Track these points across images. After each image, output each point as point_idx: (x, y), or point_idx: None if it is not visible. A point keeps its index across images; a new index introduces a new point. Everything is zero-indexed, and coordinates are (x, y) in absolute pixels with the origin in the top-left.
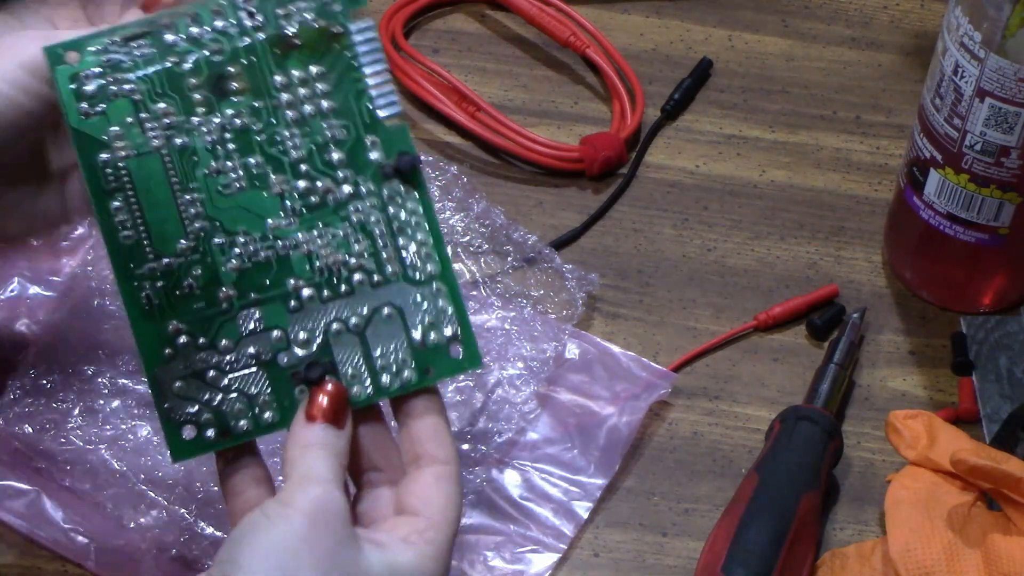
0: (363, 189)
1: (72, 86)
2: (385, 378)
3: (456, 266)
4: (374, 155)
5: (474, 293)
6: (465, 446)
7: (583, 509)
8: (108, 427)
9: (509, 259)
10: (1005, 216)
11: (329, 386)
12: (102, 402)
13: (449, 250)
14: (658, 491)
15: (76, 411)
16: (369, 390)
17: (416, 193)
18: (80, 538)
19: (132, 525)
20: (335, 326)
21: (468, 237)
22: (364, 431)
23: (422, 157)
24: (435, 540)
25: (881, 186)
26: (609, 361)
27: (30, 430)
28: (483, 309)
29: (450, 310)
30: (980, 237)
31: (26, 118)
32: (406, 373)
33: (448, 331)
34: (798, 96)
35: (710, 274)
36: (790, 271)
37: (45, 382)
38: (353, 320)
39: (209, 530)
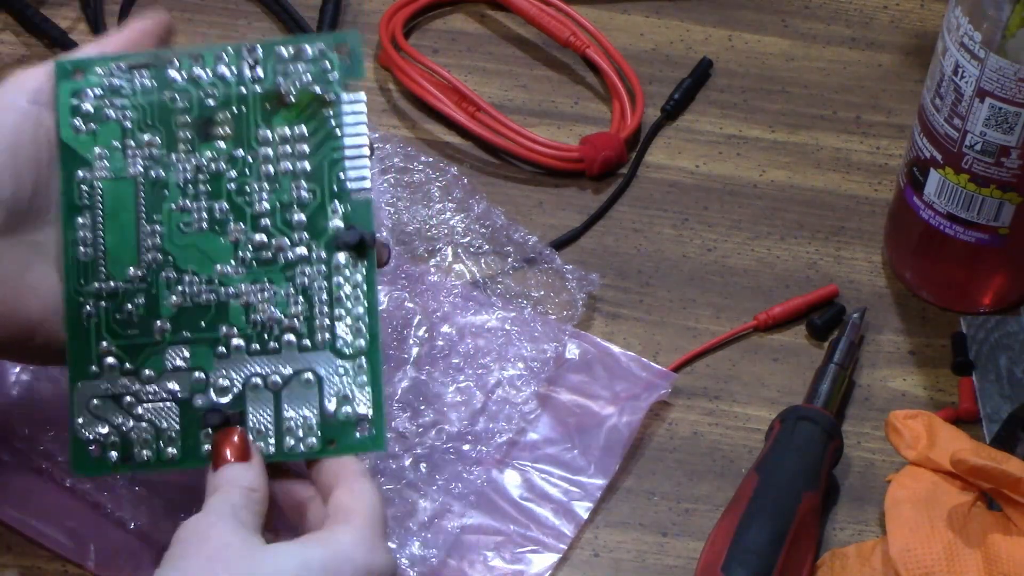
0: (314, 255)
1: (72, 101)
2: (289, 440)
3: (457, 267)
4: (333, 224)
5: (475, 294)
6: (465, 446)
7: (583, 509)
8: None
9: (509, 260)
10: (1005, 216)
11: (235, 437)
12: None
13: (449, 251)
14: (658, 491)
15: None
16: (271, 449)
17: (363, 268)
18: (80, 538)
19: (132, 526)
20: (255, 380)
21: (468, 238)
22: (276, 487)
23: (423, 158)
24: (354, 527)
25: (881, 186)
26: (609, 361)
27: (28, 432)
28: (483, 309)
29: (368, 389)
30: (980, 237)
31: (30, 145)
32: (310, 440)
33: (361, 409)
34: (798, 96)
35: (710, 274)
36: (790, 271)
37: (45, 382)
38: (273, 378)
39: None
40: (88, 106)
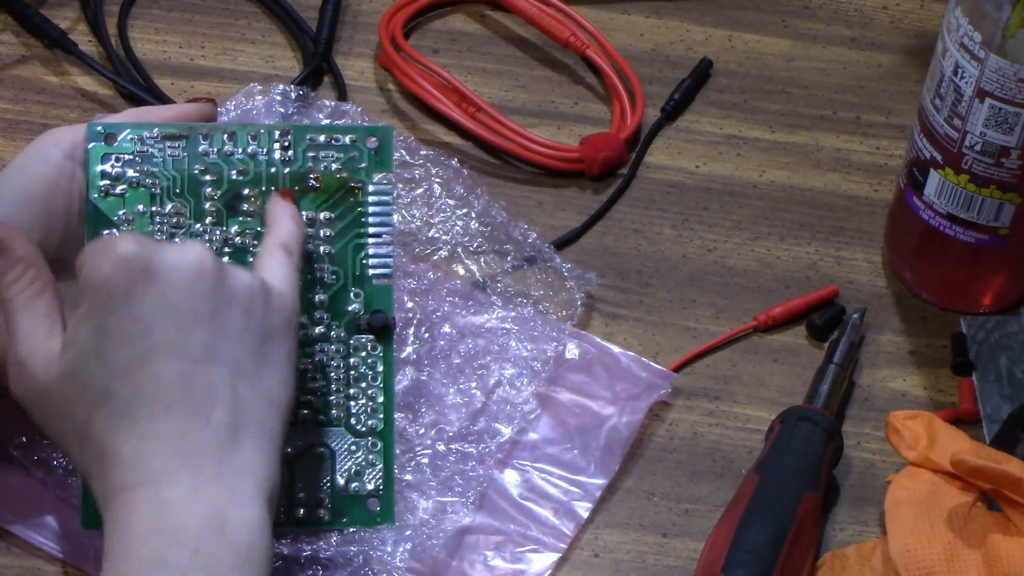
0: (333, 334)
1: (102, 165)
2: (300, 511)
3: (456, 266)
4: (353, 307)
5: (475, 293)
6: (466, 446)
7: (583, 509)
8: None
9: (509, 258)
10: (1005, 216)
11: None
12: None
13: (448, 251)
14: (658, 491)
15: None
16: (281, 516)
17: (381, 351)
18: (79, 543)
19: None
20: None
21: (468, 237)
22: None
23: (424, 151)
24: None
25: (881, 186)
26: (609, 361)
27: (24, 439)
28: (483, 309)
29: (379, 466)
30: (980, 237)
31: (63, 197)
32: (320, 511)
33: (371, 485)
34: (798, 96)
35: (710, 274)
36: (790, 271)
37: None
38: (287, 449)
39: None
40: (118, 170)
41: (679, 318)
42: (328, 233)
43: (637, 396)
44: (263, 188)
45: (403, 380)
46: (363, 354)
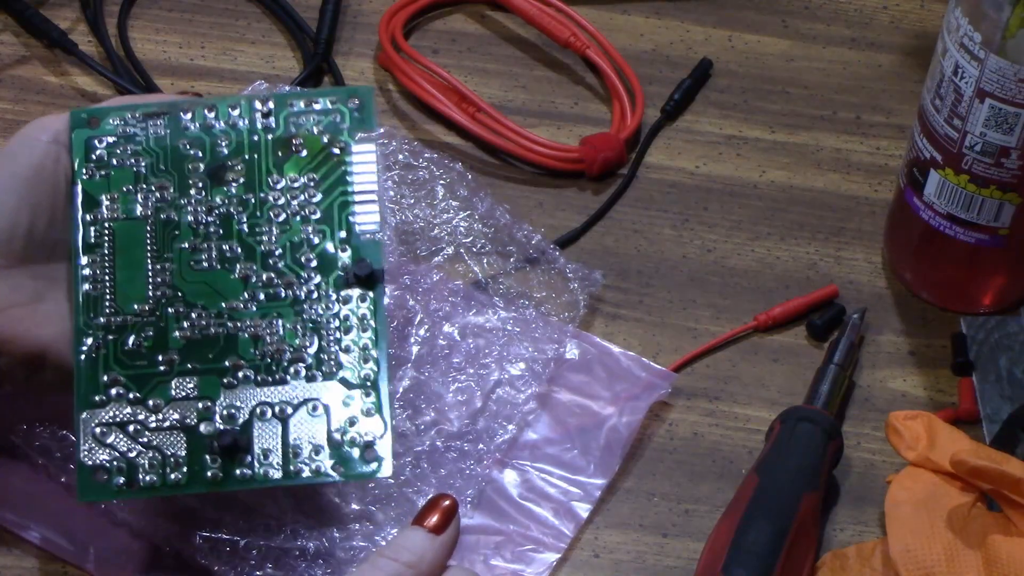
0: (323, 292)
1: (86, 149)
2: (295, 467)
3: (459, 266)
4: (342, 262)
5: (477, 293)
6: (465, 446)
7: (583, 509)
8: None
9: (512, 259)
10: (1005, 217)
11: (446, 502)
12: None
13: (451, 251)
14: (658, 492)
15: None
16: (278, 475)
17: (371, 301)
18: (80, 540)
19: (120, 519)
20: (262, 408)
21: (471, 238)
22: None
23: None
24: None
25: (881, 186)
26: (609, 361)
27: (25, 427)
28: (485, 309)
29: (375, 417)
30: (980, 238)
31: (49, 180)
32: (317, 466)
33: (368, 436)
34: (798, 96)
35: (710, 274)
36: (790, 271)
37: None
38: (280, 407)
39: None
40: (102, 153)
41: (679, 318)
42: (314, 195)
43: (637, 396)
44: (246, 157)
45: (403, 379)
46: (353, 306)
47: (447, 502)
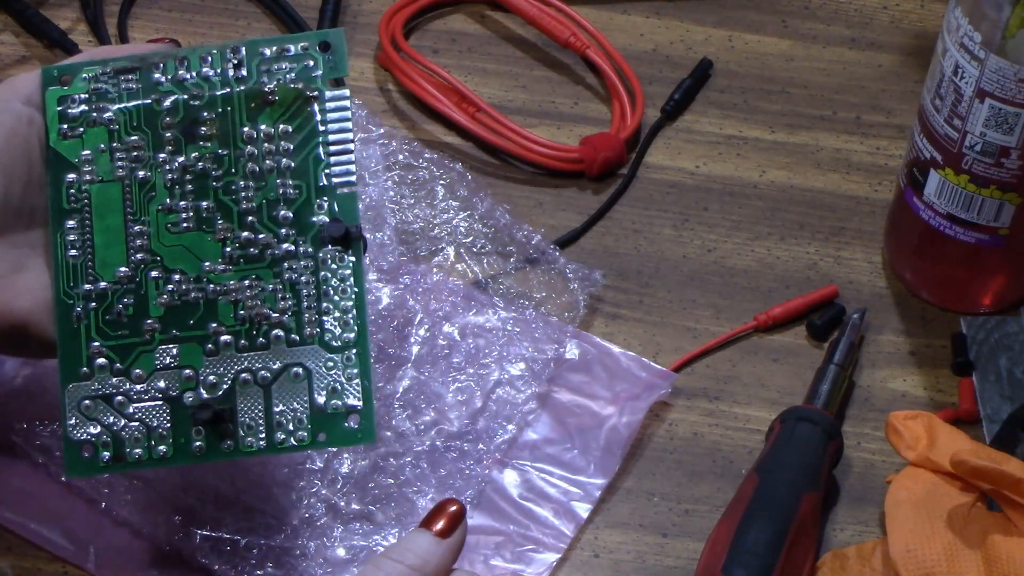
0: (301, 250)
1: (59, 108)
2: (279, 435)
3: (459, 266)
4: (319, 219)
5: (477, 294)
6: (465, 446)
7: (583, 509)
8: None
9: (512, 260)
10: (1005, 217)
11: (452, 508)
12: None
13: (451, 251)
14: (658, 492)
15: None
16: (262, 443)
17: (350, 260)
18: (79, 539)
19: (120, 519)
20: (244, 376)
21: (471, 238)
22: None
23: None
24: None
25: (881, 186)
26: (609, 361)
27: (25, 426)
28: (485, 309)
29: (357, 381)
30: (980, 238)
31: (23, 146)
32: (300, 434)
33: (350, 401)
34: (798, 96)
35: (710, 274)
36: (790, 271)
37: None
38: (262, 373)
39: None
40: (75, 111)
41: (679, 318)
42: (288, 147)
43: (637, 396)
44: (219, 110)
45: (403, 379)
46: (332, 266)
47: (454, 507)
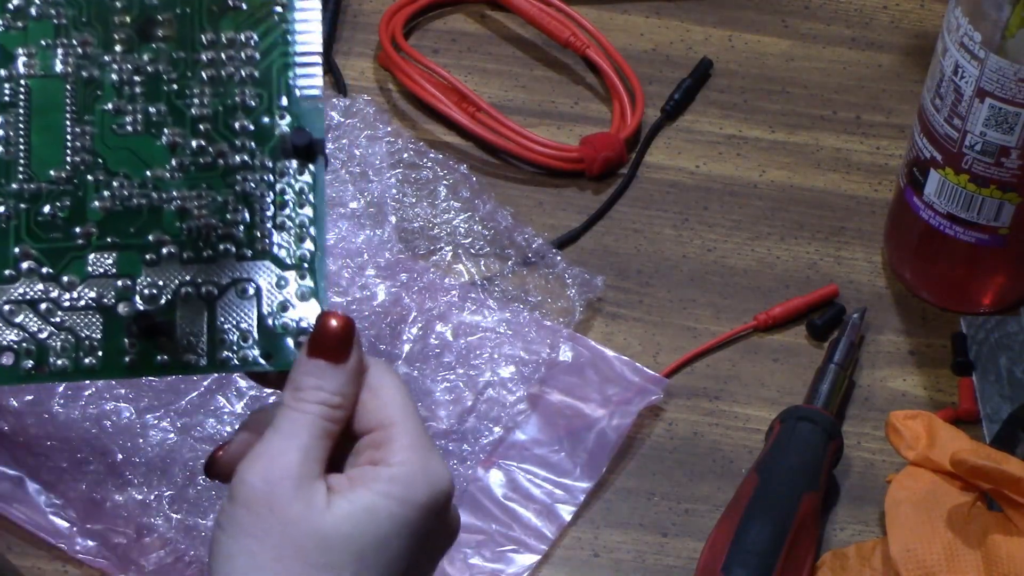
0: (258, 161)
1: None
2: (223, 352)
3: (456, 267)
4: (280, 130)
5: (472, 294)
6: (450, 445)
7: (567, 512)
8: (92, 407)
9: (510, 262)
10: (1005, 216)
11: (335, 322)
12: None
13: (449, 251)
14: (658, 491)
15: (60, 388)
16: (203, 360)
17: (310, 173)
18: (61, 522)
19: (108, 504)
20: (187, 289)
21: (470, 239)
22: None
23: (433, 155)
24: (401, 453)
25: (881, 186)
26: (602, 365)
27: (15, 404)
28: (480, 310)
29: (310, 302)
30: (980, 237)
31: None
32: (246, 353)
33: (303, 322)
34: (798, 96)
35: (710, 274)
36: (790, 271)
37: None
38: (207, 288)
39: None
40: (20, 2)
41: (679, 318)
42: (252, 55)
43: (628, 400)
44: (178, 11)
45: None
46: (290, 179)
47: (335, 321)
